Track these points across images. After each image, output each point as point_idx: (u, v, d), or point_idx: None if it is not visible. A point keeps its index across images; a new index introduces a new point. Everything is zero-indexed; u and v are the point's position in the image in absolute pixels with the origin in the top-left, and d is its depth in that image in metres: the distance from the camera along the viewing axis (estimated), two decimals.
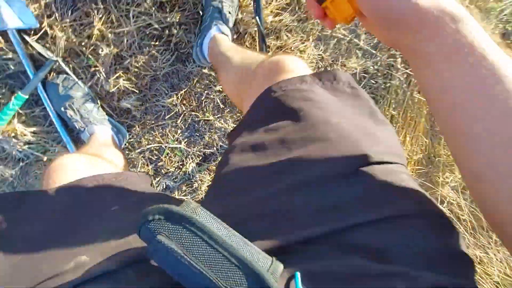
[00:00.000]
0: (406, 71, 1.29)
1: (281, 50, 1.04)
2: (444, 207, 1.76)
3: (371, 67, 1.23)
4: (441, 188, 1.78)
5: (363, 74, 1.24)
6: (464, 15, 0.24)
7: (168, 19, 0.86)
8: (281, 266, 0.23)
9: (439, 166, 1.69)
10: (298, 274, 0.23)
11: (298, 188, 0.31)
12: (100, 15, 0.79)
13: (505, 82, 0.23)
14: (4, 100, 0.81)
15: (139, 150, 1.04)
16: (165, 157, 1.05)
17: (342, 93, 0.41)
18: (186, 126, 1.05)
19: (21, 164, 0.91)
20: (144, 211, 0.24)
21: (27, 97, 0.81)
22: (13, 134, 0.85)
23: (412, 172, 1.65)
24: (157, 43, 0.89)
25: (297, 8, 1.00)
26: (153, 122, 1.01)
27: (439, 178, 1.74)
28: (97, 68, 0.85)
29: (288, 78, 0.41)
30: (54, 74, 0.83)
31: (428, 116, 1.50)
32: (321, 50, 1.11)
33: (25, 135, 0.86)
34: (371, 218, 0.27)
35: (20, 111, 0.83)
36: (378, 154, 0.32)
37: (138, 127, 1.00)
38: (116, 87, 0.89)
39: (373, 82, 1.29)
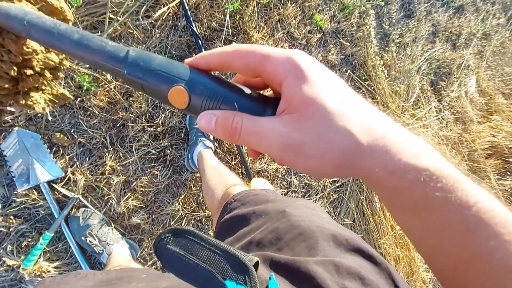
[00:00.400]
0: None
1: None
2: None
3: None
4: None
5: None
6: (436, 168, 0.21)
7: (162, 144, 1.11)
8: (256, 258, 0.34)
9: None
10: (273, 275, 0.34)
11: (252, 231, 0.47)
12: (110, 155, 1.03)
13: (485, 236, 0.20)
14: (33, 242, 0.95)
15: (151, 262, 1.11)
16: None
17: (276, 194, 0.64)
18: (191, 226, 1.16)
19: None
20: (158, 234, 0.36)
21: (52, 235, 0.95)
22: (38, 273, 0.94)
23: None
24: (156, 164, 1.11)
25: None
26: (160, 230, 1.12)
27: None
28: (109, 196, 1.03)
29: (239, 191, 0.65)
30: (75, 209, 1.00)
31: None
32: None
33: (48, 271, 0.95)
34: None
35: (46, 248, 0.95)
36: (291, 209, 0.49)
37: (148, 239, 1.11)
38: (126, 207, 1.05)
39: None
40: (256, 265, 0.33)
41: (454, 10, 2.05)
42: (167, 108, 1.12)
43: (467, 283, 0.21)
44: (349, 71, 1.52)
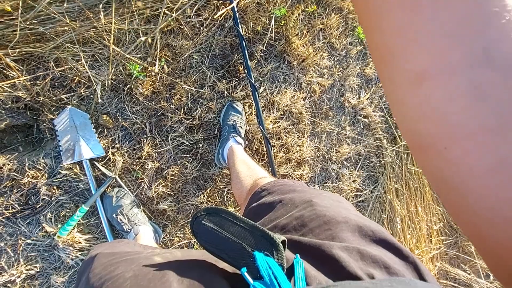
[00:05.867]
0: (394, 148, 1.50)
1: (283, 147, 1.29)
2: (491, 283, 1.61)
3: (363, 150, 1.45)
4: (479, 261, 1.68)
5: (357, 157, 1.45)
6: None
7: (196, 137, 1.16)
8: (283, 237, 0.35)
9: None
10: (298, 255, 0.36)
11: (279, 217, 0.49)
12: (148, 142, 1.09)
13: None
14: (70, 213, 1.02)
15: (170, 249, 1.15)
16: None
17: (304, 186, 0.65)
18: None
19: (70, 272, 1.03)
20: (194, 213, 0.39)
21: (87, 209, 1.02)
22: (71, 243, 1.01)
23: (439, 243, 1.61)
24: (187, 155, 1.16)
25: (290, 116, 1.31)
26: (184, 220, 1.16)
27: (471, 246, 1.68)
28: (142, 180, 1.09)
29: (267, 181, 0.67)
30: (110, 188, 1.07)
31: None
32: (316, 143, 1.36)
33: (80, 242, 1.02)
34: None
35: (81, 221, 1.02)
36: (317, 200, 0.49)
37: (172, 225, 1.15)
38: (156, 192, 1.10)
39: (369, 162, 1.48)
40: (283, 244, 0.35)
41: None
42: (205, 103, 1.17)
43: None
44: None
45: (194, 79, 1.15)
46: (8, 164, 0.96)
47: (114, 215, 1.02)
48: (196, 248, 1.16)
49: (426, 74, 0.16)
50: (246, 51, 1.15)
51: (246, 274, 0.32)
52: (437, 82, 0.15)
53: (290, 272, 0.34)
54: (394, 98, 0.19)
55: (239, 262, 0.33)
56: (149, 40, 1.05)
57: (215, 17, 1.08)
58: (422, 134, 0.17)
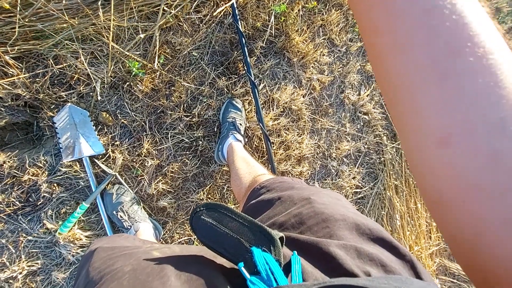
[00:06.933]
0: (394, 145, 1.50)
1: (283, 144, 1.29)
2: None
3: (362, 147, 1.45)
4: None
5: (357, 154, 1.45)
6: None
7: (195, 134, 1.16)
8: (281, 234, 0.36)
9: None
10: (296, 252, 0.36)
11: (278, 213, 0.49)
12: (148, 139, 1.09)
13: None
14: (70, 210, 1.02)
15: (170, 244, 1.16)
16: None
17: (303, 183, 0.66)
18: None
19: (71, 268, 1.03)
20: (193, 208, 0.39)
21: (88, 206, 1.02)
22: (72, 239, 1.01)
23: (438, 239, 1.62)
24: (187, 152, 1.16)
25: (289, 113, 1.31)
26: (183, 216, 1.17)
27: None
28: (142, 177, 1.09)
29: (266, 179, 0.67)
30: (110, 185, 1.07)
31: None
32: (316, 140, 1.36)
33: (80, 239, 1.03)
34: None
35: (81, 218, 1.03)
36: (316, 197, 0.50)
37: (172, 222, 1.16)
38: (156, 190, 1.11)
39: (369, 158, 1.48)
40: (281, 240, 0.35)
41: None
42: (205, 100, 1.17)
43: None
44: None
45: (193, 76, 1.14)
46: (9, 162, 0.96)
47: (114, 212, 1.03)
48: (196, 245, 1.16)
49: (451, 137, 0.18)
50: (245, 48, 1.14)
51: (243, 269, 0.32)
52: (460, 144, 0.18)
53: (287, 268, 0.34)
54: (416, 157, 0.21)
55: (237, 257, 0.34)
56: (148, 37, 1.04)
57: (215, 13, 1.08)
58: (442, 190, 0.19)
